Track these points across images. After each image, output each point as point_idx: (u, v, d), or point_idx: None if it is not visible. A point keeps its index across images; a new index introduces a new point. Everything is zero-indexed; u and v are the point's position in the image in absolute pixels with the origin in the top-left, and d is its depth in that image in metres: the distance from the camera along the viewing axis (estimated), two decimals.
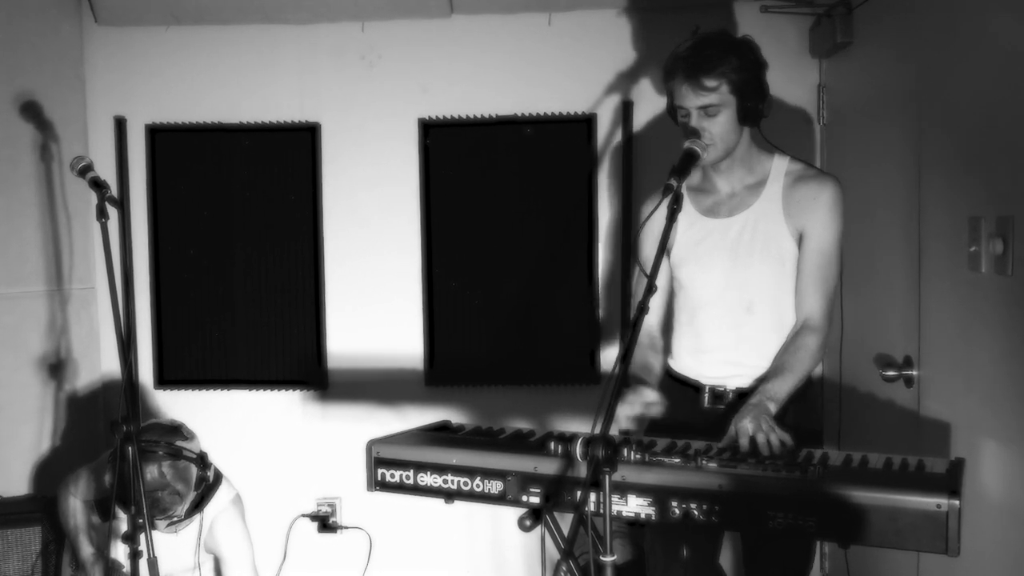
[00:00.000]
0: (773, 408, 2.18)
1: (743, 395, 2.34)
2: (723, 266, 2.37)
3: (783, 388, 2.23)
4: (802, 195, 2.35)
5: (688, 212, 2.40)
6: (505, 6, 3.48)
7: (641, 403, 2.31)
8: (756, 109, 2.30)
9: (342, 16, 3.53)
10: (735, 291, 2.36)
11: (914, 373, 2.58)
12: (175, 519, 2.86)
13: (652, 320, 2.52)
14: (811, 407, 2.43)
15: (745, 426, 2.12)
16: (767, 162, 2.41)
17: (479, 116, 3.55)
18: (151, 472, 2.75)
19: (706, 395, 2.41)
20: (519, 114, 3.53)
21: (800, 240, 2.34)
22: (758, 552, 2.45)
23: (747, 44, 2.31)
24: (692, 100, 2.25)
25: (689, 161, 2.15)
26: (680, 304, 2.49)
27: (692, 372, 2.46)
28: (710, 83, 2.23)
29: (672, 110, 2.38)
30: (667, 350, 2.56)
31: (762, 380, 2.30)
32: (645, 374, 2.42)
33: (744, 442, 2.10)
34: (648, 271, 2.05)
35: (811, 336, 2.31)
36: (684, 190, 2.40)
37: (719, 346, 2.40)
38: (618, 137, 3.52)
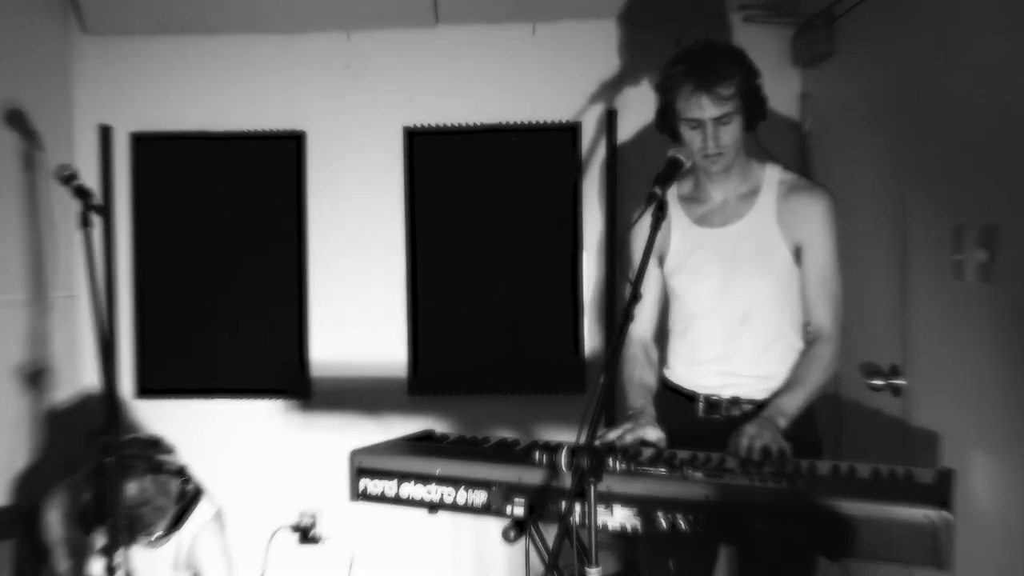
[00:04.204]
0: (783, 423, 2.17)
1: (737, 402, 2.33)
2: (718, 277, 2.34)
3: (793, 402, 2.23)
4: (796, 207, 2.32)
5: (680, 222, 2.37)
6: (489, 16, 3.51)
7: (640, 438, 2.22)
8: (759, 115, 2.30)
9: (327, 26, 3.57)
10: (730, 302, 2.33)
11: (901, 382, 2.57)
12: (156, 535, 2.84)
13: (647, 332, 2.49)
14: (808, 420, 2.39)
15: (747, 429, 2.12)
16: (759, 171, 2.38)
17: (464, 124, 3.58)
18: (132, 488, 2.72)
19: (701, 404, 2.38)
20: (504, 122, 3.56)
21: (797, 252, 2.32)
22: (751, 570, 2.39)
23: (742, 52, 2.30)
24: (710, 110, 2.20)
25: (674, 169, 2.11)
26: (675, 314, 2.45)
27: (687, 382, 2.42)
28: (726, 92, 2.19)
29: (666, 124, 2.33)
30: (662, 360, 2.52)
31: (775, 393, 2.29)
32: (643, 395, 2.38)
33: (743, 442, 2.09)
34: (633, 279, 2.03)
35: (823, 347, 2.30)
36: (675, 199, 2.39)
37: (714, 357, 2.37)
38: (602, 145, 3.53)
